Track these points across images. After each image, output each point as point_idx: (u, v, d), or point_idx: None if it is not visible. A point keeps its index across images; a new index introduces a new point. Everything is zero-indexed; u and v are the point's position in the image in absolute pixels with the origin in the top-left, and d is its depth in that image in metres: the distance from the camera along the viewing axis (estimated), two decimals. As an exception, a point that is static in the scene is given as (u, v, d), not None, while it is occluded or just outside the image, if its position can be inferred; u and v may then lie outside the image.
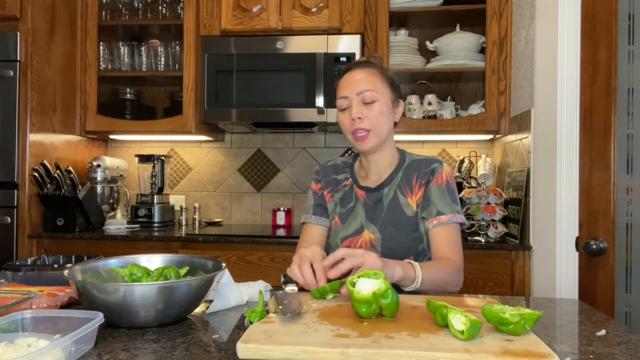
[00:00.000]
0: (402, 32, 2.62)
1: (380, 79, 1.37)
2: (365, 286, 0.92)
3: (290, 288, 1.05)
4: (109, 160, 2.75)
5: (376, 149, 1.39)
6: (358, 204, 1.45)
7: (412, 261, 1.21)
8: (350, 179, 1.49)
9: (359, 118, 1.33)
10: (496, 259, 2.16)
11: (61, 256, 1.34)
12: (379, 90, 1.35)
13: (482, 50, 2.52)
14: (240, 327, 0.93)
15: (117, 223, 2.57)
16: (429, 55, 2.62)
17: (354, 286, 0.93)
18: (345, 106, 1.37)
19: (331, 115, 2.44)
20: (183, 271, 1.04)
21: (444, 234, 1.36)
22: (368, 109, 1.34)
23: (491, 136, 2.67)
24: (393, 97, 1.40)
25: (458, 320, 0.81)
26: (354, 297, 0.92)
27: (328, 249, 1.48)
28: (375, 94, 1.35)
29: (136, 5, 2.75)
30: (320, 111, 2.44)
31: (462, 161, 2.62)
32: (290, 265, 1.11)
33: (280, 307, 0.92)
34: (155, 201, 2.73)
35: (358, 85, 1.35)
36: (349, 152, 2.89)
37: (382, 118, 1.35)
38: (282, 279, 1.14)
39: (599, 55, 1.57)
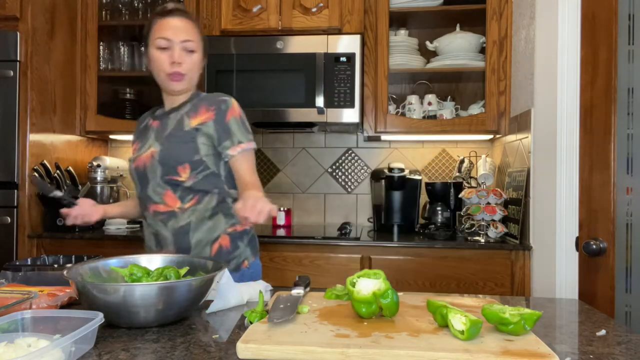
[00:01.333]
0: (402, 32, 2.62)
1: (198, 33, 1.54)
2: (365, 286, 0.92)
3: (297, 291, 1.05)
4: (109, 160, 2.75)
5: (183, 92, 1.55)
6: (150, 131, 1.59)
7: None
8: (150, 118, 1.64)
9: (179, 63, 1.47)
10: (496, 259, 2.16)
11: (61, 256, 1.35)
12: (197, 43, 1.52)
13: (482, 50, 2.52)
14: (240, 327, 0.93)
15: (117, 223, 2.57)
16: (429, 55, 2.62)
17: (353, 286, 0.93)
18: (165, 46, 1.48)
19: (331, 115, 2.44)
20: (183, 271, 1.04)
21: (246, 160, 1.52)
22: (188, 57, 1.50)
23: (491, 136, 2.67)
24: (204, 53, 1.57)
25: (458, 320, 0.81)
26: (353, 297, 0.92)
27: (129, 174, 1.65)
28: (195, 45, 1.51)
29: (136, 5, 2.75)
30: (320, 111, 2.44)
31: (462, 161, 2.62)
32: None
33: (271, 312, 0.92)
34: (155, 201, 2.72)
35: (182, 33, 1.48)
36: (349, 151, 2.90)
37: (197, 68, 1.54)
38: (297, 278, 1.15)
39: (599, 55, 1.57)
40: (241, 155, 1.52)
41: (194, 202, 1.51)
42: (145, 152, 1.54)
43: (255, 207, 1.19)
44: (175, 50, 1.48)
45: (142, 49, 2.78)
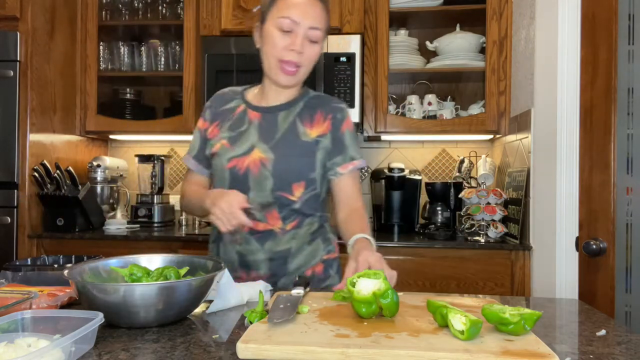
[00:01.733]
0: (402, 32, 2.62)
1: (327, 21, 1.31)
2: (365, 286, 0.92)
3: (297, 291, 1.05)
4: (109, 160, 2.75)
5: (290, 87, 1.36)
6: (251, 126, 1.36)
7: (367, 237, 1.21)
8: (243, 105, 1.40)
9: (300, 52, 1.26)
10: (496, 259, 2.16)
11: (61, 256, 1.34)
12: (323, 34, 1.29)
13: (482, 50, 2.52)
14: (240, 327, 0.93)
15: (117, 223, 2.57)
16: (429, 55, 2.62)
17: (354, 286, 0.93)
18: (287, 29, 1.25)
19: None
20: (183, 271, 1.04)
21: (354, 181, 1.38)
22: (310, 47, 1.27)
23: (491, 136, 2.67)
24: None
25: (458, 320, 0.81)
26: (354, 297, 0.92)
27: (215, 171, 1.41)
28: (320, 36, 1.28)
29: (136, 5, 2.75)
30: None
31: (462, 161, 2.62)
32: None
33: (271, 312, 0.92)
34: (155, 201, 2.73)
35: (311, 18, 1.25)
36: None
37: (314, 60, 1.31)
38: (296, 278, 1.14)
39: (599, 55, 1.57)
40: (351, 174, 1.36)
41: (295, 225, 1.35)
42: (249, 154, 1.33)
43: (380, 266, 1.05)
44: (299, 36, 1.25)
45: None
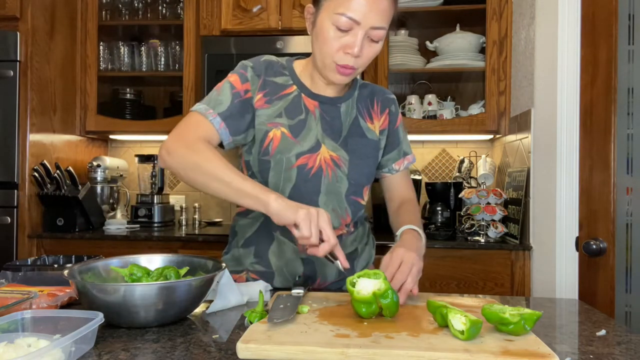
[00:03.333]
0: (402, 32, 2.62)
1: (392, 14, 1.11)
2: (365, 286, 0.92)
3: (297, 291, 1.05)
4: (109, 160, 2.75)
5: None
6: (310, 116, 1.20)
7: (414, 227, 1.15)
8: (295, 86, 1.21)
9: (357, 56, 1.09)
10: (496, 259, 2.16)
11: (61, 256, 1.34)
12: (386, 30, 1.10)
13: (482, 50, 2.52)
14: (240, 327, 0.93)
15: (117, 223, 2.57)
16: (429, 55, 2.62)
17: (353, 286, 0.93)
18: (345, 29, 1.07)
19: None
20: (183, 271, 1.04)
21: (405, 176, 1.32)
22: (370, 47, 1.10)
23: (491, 136, 2.67)
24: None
25: (458, 320, 0.81)
26: (353, 297, 0.92)
27: (275, 166, 1.19)
28: (383, 34, 1.09)
29: (136, 5, 2.75)
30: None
31: (462, 161, 2.62)
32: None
33: (271, 312, 0.92)
34: (155, 201, 2.73)
35: (375, 16, 1.05)
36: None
37: (373, 58, 1.14)
38: (297, 278, 1.14)
39: (599, 55, 1.57)
40: (405, 170, 1.30)
41: (355, 226, 1.28)
42: (318, 152, 1.18)
43: (402, 276, 1.00)
44: (358, 36, 1.06)
45: (142, 49, 2.77)
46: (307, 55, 1.27)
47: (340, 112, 1.22)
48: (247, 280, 1.27)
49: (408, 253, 1.05)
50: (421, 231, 1.18)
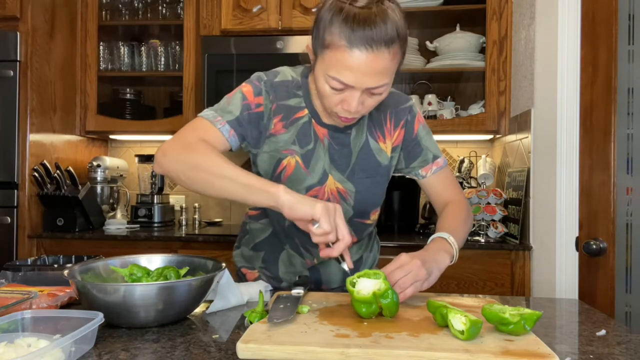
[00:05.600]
0: (402, 32, 2.62)
1: (399, 59, 1.02)
2: (365, 286, 0.92)
3: (297, 291, 1.05)
4: (109, 160, 2.75)
5: None
6: (319, 145, 1.15)
7: (442, 235, 1.10)
8: (307, 110, 1.16)
9: (357, 111, 1.04)
10: (496, 259, 2.16)
11: (61, 256, 1.34)
12: (392, 78, 1.02)
13: (482, 50, 2.52)
14: (240, 327, 0.93)
15: (117, 223, 2.57)
16: (429, 55, 2.62)
17: (354, 286, 0.93)
18: (341, 88, 1.00)
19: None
20: (183, 271, 1.04)
21: (445, 177, 1.24)
22: (372, 99, 1.04)
23: (491, 136, 2.67)
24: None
25: (458, 320, 0.81)
26: (353, 297, 0.92)
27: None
28: (387, 87, 1.02)
29: (136, 5, 2.75)
30: (321, 111, 2.43)
31: (462, 161, 2.62)
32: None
33: (271, 312, 0.91)
34: (155, 201, 2.73)
35: (375, 78, 0.98)
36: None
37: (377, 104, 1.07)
38: (296, 279, 1.13)
39: (599, 55, 1.57)
40: (439, 173, 1.23)
41: (361, 236, 1.29)
42: (325, 184, 1.16)
43: (404, 282, 0.97)
44: (355, 98, 1.00)
45: (142, 49, 2.77)
46: (306, 54, 1.23)
47: (350, 138, 1.17)
48: (259, 279, 1.28)
49: (412, 260, 1.01)
50: (452, 238, 1.10)
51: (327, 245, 0.97)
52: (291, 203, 0.94)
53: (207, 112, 1.12)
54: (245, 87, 1.15)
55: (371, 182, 1.19)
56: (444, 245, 1.09)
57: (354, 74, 0.97)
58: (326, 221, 0.93)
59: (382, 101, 1.11)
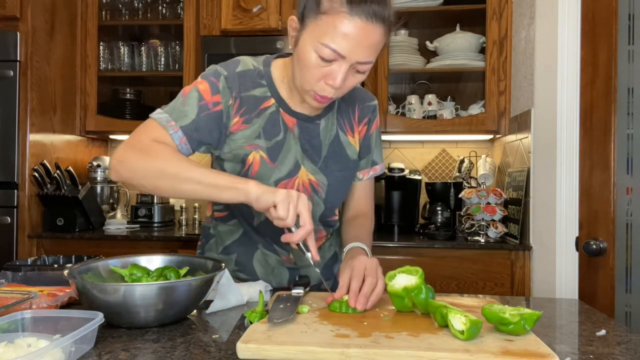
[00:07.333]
0: (402, 32, 2.62)
1: (385, 43, 1.04)
2: (400, 281, 0.97)
3: (297, 291, 1.05)
4: (109, 160, 2.75)
5: None
6: (288, 135, 1.12)
7: (364, 248, 1.12)
8: (274, 99, 1.12)
9: (339, 88, 1.02)
10: (496, 259, 2.16)
11: (61, 256, 1.34)
12: (374, 60, 1.02)
13: (482, 50, 2.52)
14: (240, 327, 0.93)
15: (117, 223, 2.57)
16: (429, 55, 2.62)
17: (391, 280, 0.98)
18: (330, 59, 0.97)
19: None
20: (183, 271, 1.04)
21: (369, 186, 1.25)
22: (352, 77, 1.02)
23: (491, 136, 2.67)
24: None
25: (458, 320, 0.81)
26: (388, 290, 0.97)
27: None
28: (370, 67, 1.02)
29: (136, 5, 2.75)
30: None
31: (462, 161, 2.62)
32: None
33: (271, 312, 0.91)
34: (155, 201, 2.73)
35: (362, 51, 0.97)
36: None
37: (353, 87, 1.06)
38: (296, 278, 1.13)
39: (599, 55, 1.57)
40: (368, 180, 1.25)
41: (331, 231, 1.27)
42: (296, 175, 1.14)
43: (364, 290, 0.95)
44: (342, 69, 0.98)
45: (142, 49, 2.77)
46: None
47: (319, 129, 1.15)
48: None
49: (369, 258, 1.03)
50: (369, 251, 1.13)
51: (290, 231, 0.96)
52: (258, 195, 0.95)
53: (160, 114, 1.06)
54: (202, 85, 1.09)
55: (342, 176, 1.18)
56: (366, 255, 1.11)
57: (349, 42, 0.95)
58: (284, 207, 0.92)
59: (351, 94, 1.14)
